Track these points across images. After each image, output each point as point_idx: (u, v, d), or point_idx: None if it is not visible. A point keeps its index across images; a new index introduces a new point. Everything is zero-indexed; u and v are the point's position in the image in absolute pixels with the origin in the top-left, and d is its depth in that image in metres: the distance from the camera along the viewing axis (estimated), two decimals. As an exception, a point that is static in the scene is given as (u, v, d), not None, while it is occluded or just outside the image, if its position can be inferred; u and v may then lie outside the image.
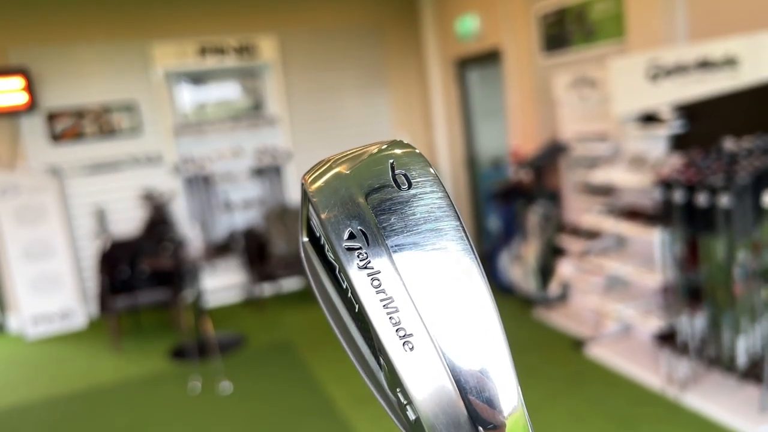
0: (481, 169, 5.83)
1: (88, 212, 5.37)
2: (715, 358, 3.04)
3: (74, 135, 5.29)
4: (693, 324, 3.06)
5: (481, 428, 0.33)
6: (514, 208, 4.68)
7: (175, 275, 4.56)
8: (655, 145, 3.45)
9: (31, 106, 4.96)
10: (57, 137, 5.24)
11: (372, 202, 0.35)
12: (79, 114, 5.29)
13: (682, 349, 3.11)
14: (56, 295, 5.20)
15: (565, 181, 4.40)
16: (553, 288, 4.39)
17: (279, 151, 5.79)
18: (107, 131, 5.37)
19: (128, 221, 5.43)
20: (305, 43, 5.83)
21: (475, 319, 0.34)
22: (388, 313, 0.33)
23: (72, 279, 5.25)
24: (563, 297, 4.41)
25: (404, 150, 0.37)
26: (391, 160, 0.36)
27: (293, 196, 5.88)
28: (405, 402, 0.35)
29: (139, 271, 4.76)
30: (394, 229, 0.34)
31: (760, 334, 2.81)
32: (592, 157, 4.01)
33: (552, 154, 4.32)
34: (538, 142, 4.68)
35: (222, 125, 5.61)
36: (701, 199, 2.81)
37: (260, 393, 3.68)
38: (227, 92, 5.76)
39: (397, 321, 0.33)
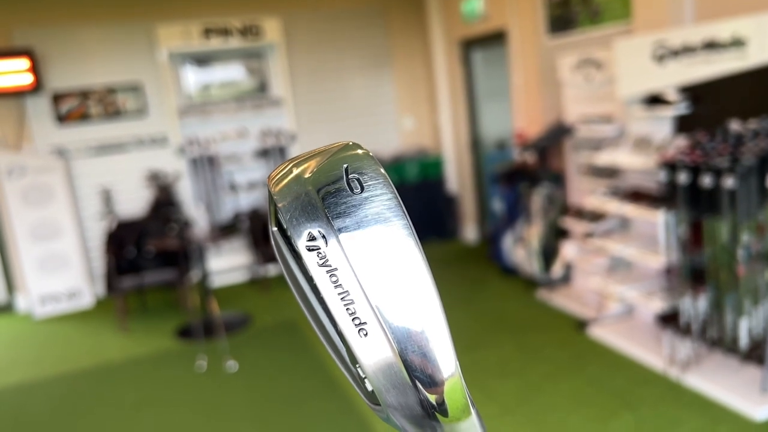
0: (486, 150, 5.82)
1: (94, 193, 5.40)
2: (717, 339, 3.05)
3: (80, 116, 5.30)
4: (696, 305, 3.07)
5: (423, 390, 0.38)
6: (518, 189, 4.67)
7: (181, 255, 4.59)
8: (660, 126, 3.44)
9: (37, 87, 4.97)
10: (62, 118, 5.26)
11: (328, 205, 0.39)
12: (84, 95, 5.29)
13: (685, 331, 3.13)
14: (63, 275, 5.25)
15: (570, 163, 4.39)
16: (557, 269, 4.40)
17: (283, 133, 5.79)
18: (112, 112, 5.38)
19: (134, 202, 5.46)
20: (309, 24, 5.80)
21: (420, 306, 0.38)
22: (345, 305, 0.38)
23: (79, 259, 5.29)
24: (566, 278, 4.43)
25: (357, 154, 0.41)
26: (345, 165, 0.40)
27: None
28: (363, 376, 0.41)
29: (145, 252, 4.80)
30: (349, 230, 0.38)
31: (763, 315, 2.82)
32: (596, 139, 3.99)
33: (556, 135, 4.30)
34: (542, 123, 4.66)
35: (226, 106, 5.61)
36: (706, 180, 2.80)
37: (265, 371, 3.72)
38: (232, 73, 5.75)
39: (353, 312, 0.38)
